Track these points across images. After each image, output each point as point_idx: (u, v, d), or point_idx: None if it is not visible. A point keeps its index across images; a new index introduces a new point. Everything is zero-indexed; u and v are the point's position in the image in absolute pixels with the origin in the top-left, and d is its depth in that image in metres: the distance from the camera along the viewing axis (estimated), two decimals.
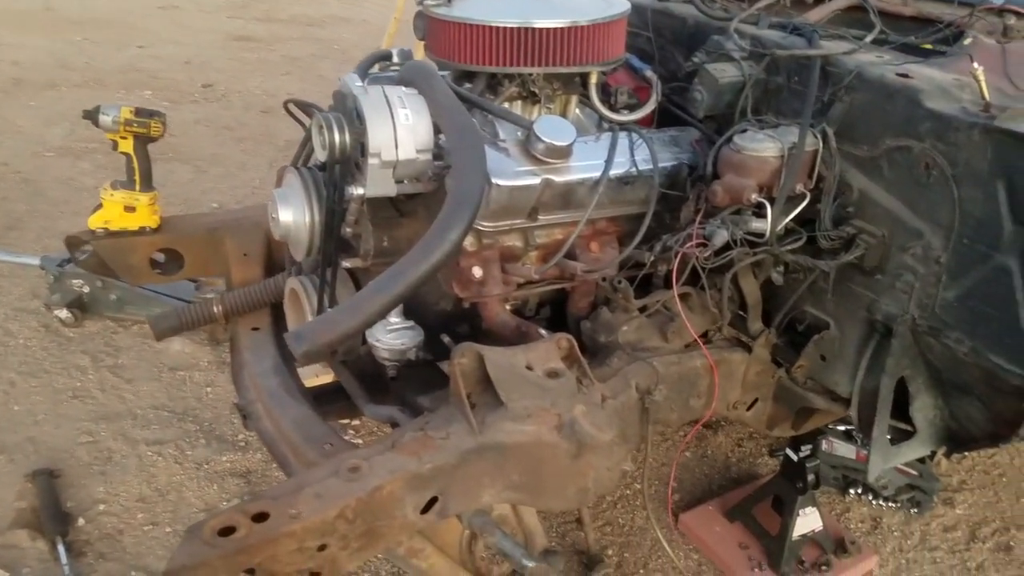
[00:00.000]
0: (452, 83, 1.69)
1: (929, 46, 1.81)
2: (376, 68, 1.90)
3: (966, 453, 2.58)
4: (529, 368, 1.47)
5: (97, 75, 5.74)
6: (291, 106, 1.95)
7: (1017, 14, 1.81)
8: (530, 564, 1.46)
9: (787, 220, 1.63)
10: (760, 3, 1.93)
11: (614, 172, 1.69)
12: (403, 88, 1.59)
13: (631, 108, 1.82)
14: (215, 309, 2.01)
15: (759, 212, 1.61)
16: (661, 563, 2.17)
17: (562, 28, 1.67)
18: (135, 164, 2.08)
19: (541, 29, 1.66)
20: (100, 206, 2.10)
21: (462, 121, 1.51)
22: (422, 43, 1.86)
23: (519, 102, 1.79)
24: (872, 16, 1.80)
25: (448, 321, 1.82)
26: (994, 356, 1.46)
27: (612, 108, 1.81)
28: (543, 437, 1.40)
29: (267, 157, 4.57)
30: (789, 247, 1.66)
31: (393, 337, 1.67)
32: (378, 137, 1.51)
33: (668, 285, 1.71)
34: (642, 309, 1.77)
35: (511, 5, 1.69)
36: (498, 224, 1.67)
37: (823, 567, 2.11)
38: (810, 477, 2.05)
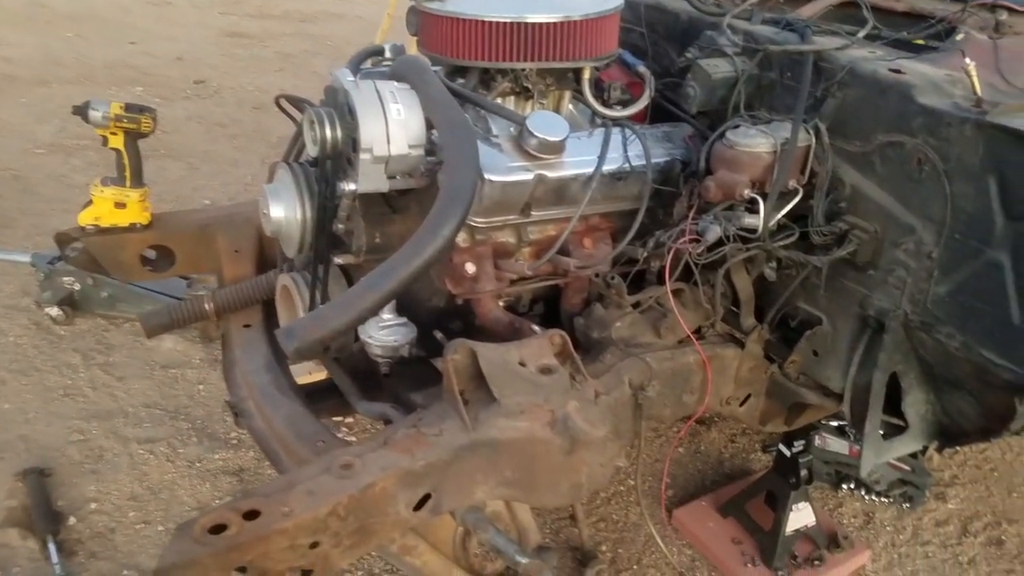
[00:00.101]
0: (445, 78, 1.68)
1: (921, 42, 1.81)
2: (368, 63, 1.89)
3: (958, 448, 2.59)
4: (522, 364, 1.46)
5: (88, 71, 5.70)
6: (283, 102, 1.94)
7: (1009, 10, 1.82)
8: (524, 561, 1.46)
9: (780, 216, 1.62)
10: None
11: (607, 168, 1.69)
12: (395, 83, 1.58)
13: (624, 104, 1.82)
14: (206, 306, 2.00)
15: (752, 208, 1.61)
16: (655, 559, 2.18)
17: (555, 23, 1.67)
18: (125, 160, 2.06)
19: (534, 24, 1.65)
20: (90, 202, 2.09)
21: (454, 116, 1.50)
22: (415, 39, 1.85)
23: (512, 97, 1.79)
24: (865, 12, 1.80)
25: (441, 317, 1.82)
26: (985, 351, 1.47)
27: (605, 104, 1.81)
28: (536, 433, 1.40)
29: (260, 154, 4.55)
30: (782, 243, 1.66)
31: (386, 334, 1.66)
32: (370, 132, 1.51)
33: (661, 281, 1.71)
34: (635, 305, 1.76)
35: (504, 0, 1.68)
36: (491, 220, 1.66)
37: (816, 562, 2.11)
38: (803, 472, 2.06)
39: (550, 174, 1.64)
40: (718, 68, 1.74)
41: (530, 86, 1.74)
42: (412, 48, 1.99)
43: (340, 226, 1.67)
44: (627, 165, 1.72)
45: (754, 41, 1.75)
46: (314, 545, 1.25)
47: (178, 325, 2.07)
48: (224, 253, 2.15)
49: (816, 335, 1.77)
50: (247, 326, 1.99)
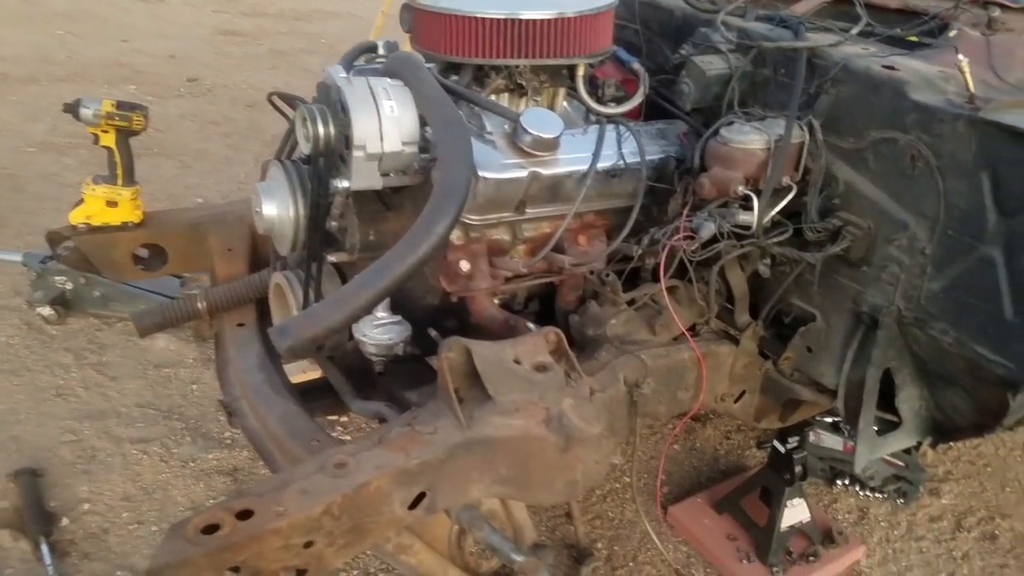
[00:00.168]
0: (438, 75, 1.68)
1: (915, 38, 1.81)
2: (362, 60, 1.88)
3: (951, 443, 2.60)
4: (517, 362, 1.46)
5: (80, 69, 5.67)
6: (275, 99, 1.93)
7: (1001, 6, 1.82)
8: (519, 558, 1.46)
9: (774, 212, 1.63)
10: None
11: (602, 165, 1.69)
12: (388, 80, 1.58)
13: (618, 101, 1.81)
14: (199, 305, 1.99)
15: (746, 205, 1.61)
16: (650, 556, 2.18)
17: (549, 20, 1.66)
18: (117, 158, 2.05)
19: (528, 20, 1.65)
20: (81, 201, 2.07)
21: (448, 113, 1.49)
22: (409, 36, 1.84)
23: (506, 94, 1.78)
24: (858, 8, 1.80)
25: (436, 315, 1.81)
26: (978, 346, 1.47)
27: (599, 101, 1.80)
28: (531, 431, 1.40)
29: (253, 152, 4.53)
30: (776, 239, 1.66)
31: (380, 332, 1.65)
32: (363, 129, 1.50)
33: (656, 278, 1.71)
34: (630, 302, 1.76)
35: None
36: (485, 217, 1.66)
37: (811, 558, 2.12)
38: (798, 469, 2.06)
39: (544, 171, 1.63)
40: (712, 65, 1.74)
41: (524, 83, 1.74)
42: (406, 45, 1.98)
43: (333, 224, 1.66)
44: (622, 162, 1.72)
45: (748, 38, 1.75)
46: (308, 544, 1.24)
47: (171, 324, 2.06)
48: (217, 252, 2.14)
49: (810, 331, 1.77)
50: (240, 325, 1.98)
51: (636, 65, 1.86)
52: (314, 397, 1.86)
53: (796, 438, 2.08)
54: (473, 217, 1.64)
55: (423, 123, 1.55)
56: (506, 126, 1.66)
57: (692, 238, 1.61)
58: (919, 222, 1.52)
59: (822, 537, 2.17)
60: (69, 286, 2.89)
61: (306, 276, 1.73)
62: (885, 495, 2.42)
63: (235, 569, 1.19)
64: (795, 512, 2.11)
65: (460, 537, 1.59)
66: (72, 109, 1.99)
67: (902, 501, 2.41)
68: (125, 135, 2.04)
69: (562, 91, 1.83)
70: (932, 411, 1.70)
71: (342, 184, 1.56)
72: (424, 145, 1.56)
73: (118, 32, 6.64)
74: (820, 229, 1.64)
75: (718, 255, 1.66)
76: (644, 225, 1.75)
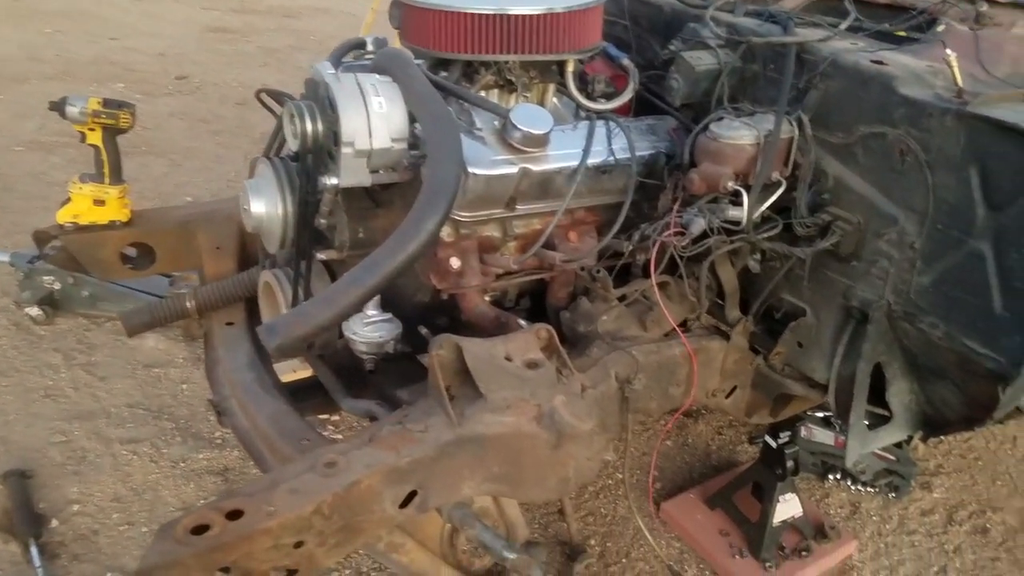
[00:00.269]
0: (427, 71, 1.67)
1: (903, 33, 1.81)
2: (350, 57, 1.87)
3: (942, 437, 2.61)
4: (508, 359, 1.45)
5: (69, 68, 5.63)
6: (263, 95, 1.92)
7: (989, 1, 1.83)
8: (512, 556, 1.45)
9: (763, 208, 1.63)
10: None
11: (592, 161, 1.68)
12: (376, 76, 1.57)
13: (608, 97, 1.81)
14: (188, 304, 1.98)
15: (736, 200, 1.61)
16: (643, 552, 2.18)
17: (538, 15, 1.65)
18: (104, 156, 2.03)
19: (517, 16, 1.64)
20: (69, 200, 2.06)
21: (437, 109, 1.49)
22: (398, 32, 1.83)
23: (495, 90, 1.77)
24: (847, 4, 1.80)
25: (426, 313, 1.81)
26: (968, 340, 1.48)
27: (589, 97, 1.80)
28: (523, 428, 1.39)
29: (243, 150, 4.51)
30: (766, 235, 1.66)
31: (370, 330, 1.65)
32: (351, 125, 1.49)
33: (646, 274, 1.71)
34: (621, 298, 1.76)
35: None
36: (475, 214, 1.65)
37: (803, 552, 2.13)
38: (789, 464, 2.07)
39: (534, 167, 1.63)
40: (701, 60, 1.74)
41: (513, 79, 1.73)
42: (396, 42, 1.97)
43: (322, 221, 1.65)
44: (612, 158, 1.72)
45: (737, 33, 1.75)
46: (299, 544, 1.24)
47: (159, 323, 2.05)
48: (205, 250, 2.12)
49: (800, 326, 1.78)
50: (230, 324, 1.98)
51: (626, 61, 1.85)
52: (304, 396, 1.85)
53: (787, 433, 2.08)
54: (463, 214, 1.63)
55: (412, 119, 1.54)
56: (496, 122, 1.65)
57: (682, 234, 1.61)
58: (908, 216, 1.52)
59: (814, 532, 2.17)
60: (57, 286, 2.87)
61: (295, 274, 1.72)
62: (877, 489, 2.42)
63: (225, 570, 1.18)
64: (787, 507, 2.11)
65: (452, 535, 1.59)
66: (58, 107, 1.98)
67: (894, 495, 2.42)
68: (112, 133, 2.03)
69: (552, 87, 1.82)
70: (923, 405, 1.71)
71: (331, 181, 1.55)
72: (413, 141, 1.55)
73: (107, 30, 6.60)
74: (810, 224, 1.64)
75: (708, 251, 1.66)
76: (634, 221, 1.75)
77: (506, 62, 1.70)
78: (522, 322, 1.63)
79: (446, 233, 1.64)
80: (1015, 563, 2.23)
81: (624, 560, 2.16)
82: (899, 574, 2.18)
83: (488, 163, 1.59)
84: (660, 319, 1.74)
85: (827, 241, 1.62)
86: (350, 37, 1.91)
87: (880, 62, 1.56)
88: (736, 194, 1.60)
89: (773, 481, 2.09)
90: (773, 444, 2.07)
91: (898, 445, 2.35)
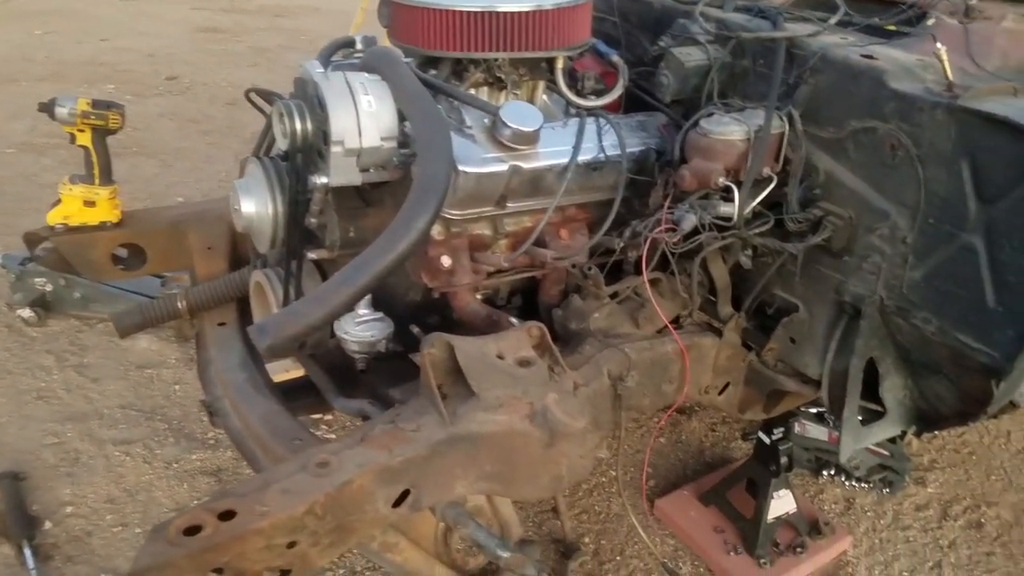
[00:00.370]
0: (416, 69, 1.66)
1: (893, 27, 1.81)
2: (339, 55, 1.87)
3: (936, 432, 2.62)
4: (500, 357, 1.45)
5: (59, 69, 5.61)
6: (253, 95, 1.91)
7: None
8: (505, 555, 1.45)
9: (755, 203, 1.62)
10: None
11: (582, 158, 1.68)
12: (366, 74, 1.56)
13: (598, 93, 1.81)
14: (179, 304, 1.97)
15: (727, 196, 1.61)
16: (638, 549, 2.18)
17: (527, 12, 1.65)
18: (94, 157, 2.02)
19: (505, 13, 1.64)
20: (59, 201, 2.05)
21: (427, 107, 1.48)
22: (387, 31, 1.83)
23: (485, 88, 1.77)
24: None
25: (418, 312, 1.80)
26: (961, 335, 1.48)
27: (579, 93, 1.79)
28: (515, 426, 1.39)
29: (233, 150, 4.50)
30: (757, 230, 1.66)
31: (362, 329, 1.64)
32: (341, 124, 1.48)
33: (638, 271, 1.70)
34: (613, 296, 1.76)
35: None
36: (466, 212, 1.65)
37: (798, 549, 2.13)
38: (783, 460, 2.07)
39: (525, 165, 1.62)
40: (691, 56, 1.74)
41: (503, 76, 1.73)
42: (385, 41, 1.97)
43: (312, 220, 1.64)
44: (602, 155, 1.71)
45: (726, 29, 1.75)
46: (291, 544, 1.23)
47: (151, 324, 2.04)
48: (196, 250, 2.12)
49: (793, 322, 1.78)
50: (221, 324, 1.97)
51: (615, 57, 1.85)
52: (296, 396, 1.85)
53: (781, 429, 2.08)
54: (454, 212, 1.63)
55: (402, 118, 1.53)
56: (486, 120, 1.65)
57: (674, 230, 1.60)
58: (900, 211, 1.52)
59: (809, 528, 2.18)
60: (49, 288, 2.86)
61: (286, 274, 1.71)
62: (871, 485, 2.43)
63: (218, 570, 1.17)
64: (781, 503, 2.11)
65: (446, 534, 1.58)
66: (47, 108, 1.97)
67: (888, 491, 2.42)
68: (101, 134, 2.02)
69: (541, 84, 1.82)
70: (916, 400, 1.71)
71: (321, 180, 1.54)
72: (403, 140, 1.55)
73: (97, 31, 6.58)
74: (801, 219, 1.64)
75: (700, 247, 1.66)
76: (626, 218, 1.74)
77: (495, 59, 1.70)
78: (514, 320, 1.63)
79: (437, 231, 1.64)
80: (1010, 557, 2.24)
81: (618, 558, 2.16)
82: (894, 569, 2.19)
83: (478, 161, 1.58)
84: (652, 316, 1.74)
85: (819, 236, 1.62)
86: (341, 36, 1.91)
87: (870, 56, 1.56)
88: (727, 190, 1.60)
89: (767, 477, 2.09)
90: (767, 440, 2.07)
91: (892, 440, 2.36)
